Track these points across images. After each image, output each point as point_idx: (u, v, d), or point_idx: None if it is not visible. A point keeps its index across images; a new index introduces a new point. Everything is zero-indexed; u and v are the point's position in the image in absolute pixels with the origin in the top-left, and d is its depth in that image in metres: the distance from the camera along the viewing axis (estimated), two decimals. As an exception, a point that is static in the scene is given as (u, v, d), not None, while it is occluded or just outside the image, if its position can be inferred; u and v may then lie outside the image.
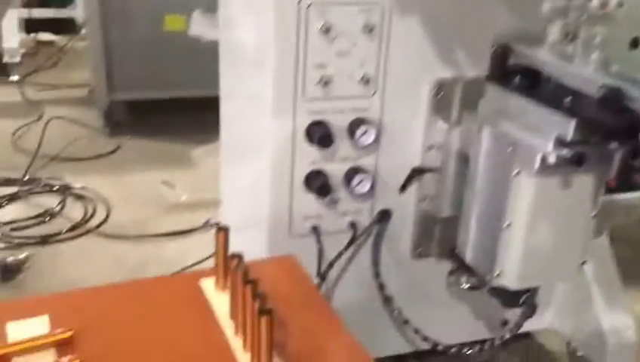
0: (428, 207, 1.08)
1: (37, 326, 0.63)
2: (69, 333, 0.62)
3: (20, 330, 0.63)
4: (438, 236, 1.10)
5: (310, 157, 1.00)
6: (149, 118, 2.47)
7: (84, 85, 2.70)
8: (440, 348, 1.03)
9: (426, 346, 1.07)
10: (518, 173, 0.90)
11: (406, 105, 1.02)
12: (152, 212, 1.93)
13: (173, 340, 0.64)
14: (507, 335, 1.05)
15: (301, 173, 1.01)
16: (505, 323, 1.20)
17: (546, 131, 0.87)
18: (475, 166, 0.97)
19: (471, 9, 0.99)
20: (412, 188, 1.07)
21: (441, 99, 1.02)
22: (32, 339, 0.61)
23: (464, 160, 1.02)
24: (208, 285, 0.73)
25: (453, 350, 1.04)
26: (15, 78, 2.82)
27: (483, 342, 1.11)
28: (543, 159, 0.86)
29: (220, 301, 0.70)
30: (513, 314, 1.13)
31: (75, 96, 2.70)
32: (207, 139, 2.29)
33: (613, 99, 0.81)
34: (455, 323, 1.16)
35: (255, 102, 1.03)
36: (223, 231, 0.70)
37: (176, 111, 2.47)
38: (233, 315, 0.67)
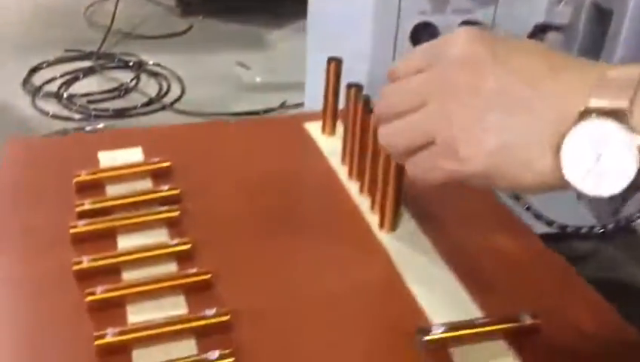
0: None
1: (130, 156, 0.57)
2: (167, 163, 0.55)
3: (112, 159, 0.56)
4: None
5: (419, 5, 0.88)
6: (221, -1, 2.36)
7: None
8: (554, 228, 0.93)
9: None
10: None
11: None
12: (226, 92, 1.86)
13: (280, 175, 0.57)
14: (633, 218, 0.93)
15: (408, 26, 0.89)
16: (616, 212, 1.08)
17: None
18: (620, 19, 0.82)
19: None
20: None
21: (580, -61, 0.86)
22: (127, 166, 0.54)
23: (601, 15, 0.86)
24: (314, 129, 0.64)
25: (569, 229, 0.94)
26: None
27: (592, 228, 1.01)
28: None
29: (327, 145, 0.61)
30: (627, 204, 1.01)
31: (146, -26, 2.61)
32: (281, 22, 2.18)
33: None
34: (562, 207, 1.05)
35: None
36: (335, 61, 0.60)
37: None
38: (345, 160, 0.58)
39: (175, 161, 0.56)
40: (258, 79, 1.93)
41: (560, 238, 0.98)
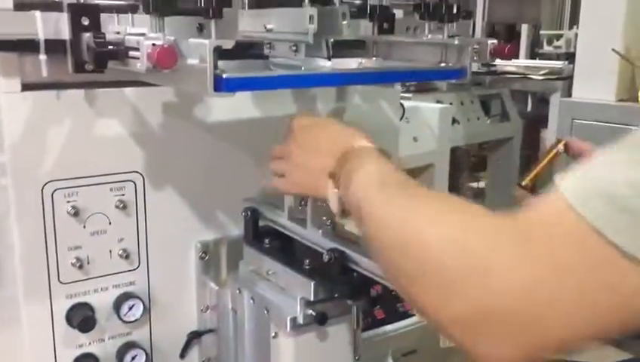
0: (213, 368, 1.07)
1: None
2: None
3: None
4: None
5: (76, 341, 0.97)
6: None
7: None
8: None
9: None
10: (275, 335, 0.91)
11: (174, 271, 1.03)
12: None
13: None
14: None
15: (68, 360, 0.97)
16: None
17: (293, 293, 0.90)
18: (242, 328, 0.98)
19: (220, 173, 1.03)
20: (193, 352, 1.05)
21: (209, 261, 1.04)
22: None
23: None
24: None
25: None
26: None
27: None
28: (293, 320, 0.88)
29: None
30: None
31: None
32: None
33: (338, 261, 0.85)
34: None
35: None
36: None
37: None
38: None
39: None
40: None
41: None
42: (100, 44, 0.70)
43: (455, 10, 0.87)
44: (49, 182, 0.91)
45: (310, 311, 0.88)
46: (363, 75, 0.88)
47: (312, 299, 0.88)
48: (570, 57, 2.33)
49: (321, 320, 0.88)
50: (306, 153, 0.80)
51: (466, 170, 2.48)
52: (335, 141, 0.77)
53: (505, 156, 2.37)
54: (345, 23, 0.76)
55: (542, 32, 3.12)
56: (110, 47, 0.70)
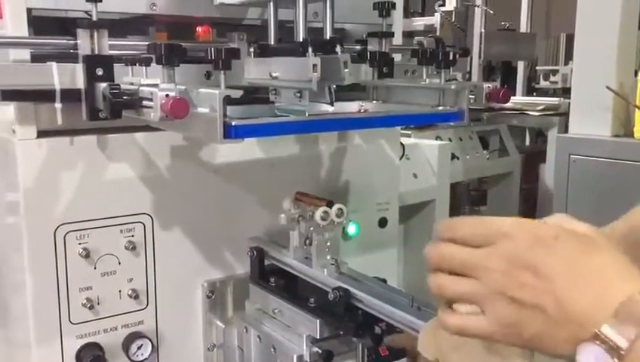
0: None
1: None
2: None
3: None
4: None
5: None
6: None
7: None
8: None
9: None
10: (282, 374, 0.93)
11: (182, 310, 1.05)
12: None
13: None
14: None
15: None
16: None
17: (299, 331, 0.92)
18: (249, 366, 1.00)
19: (226, 213, 1.06)
20: (200, 390, 1.06)
21: (215, 300, 1.06)
22: None
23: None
24: None
25: None
26: None
27: None
28: (300, 358, 0.90)
29: None
30: None
31: None
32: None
33: (343, 299, 0.87)
34: None
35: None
36: None
37: None
38: None
39: None
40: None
41: None
42: (115, 95, 0.73)
43: (451, 57, 0.91)
44: (62, 224, 0.93)
45: (316, 349, 0.90)
46: (365, 120, 0.92)
47: (317, 336, 0.90)
48: (567, 92, 2.40)
49: (327, 357, 0.89)
50: (546, 280, 0.50)
51: (467, 205, 2.51)
52: (608, 281, 0.49)
53: (504, 190, 2.41)
54: (347, 70, 0.80)
55: (538, 67, 3.20)
56: (125, 97, 0.73)
